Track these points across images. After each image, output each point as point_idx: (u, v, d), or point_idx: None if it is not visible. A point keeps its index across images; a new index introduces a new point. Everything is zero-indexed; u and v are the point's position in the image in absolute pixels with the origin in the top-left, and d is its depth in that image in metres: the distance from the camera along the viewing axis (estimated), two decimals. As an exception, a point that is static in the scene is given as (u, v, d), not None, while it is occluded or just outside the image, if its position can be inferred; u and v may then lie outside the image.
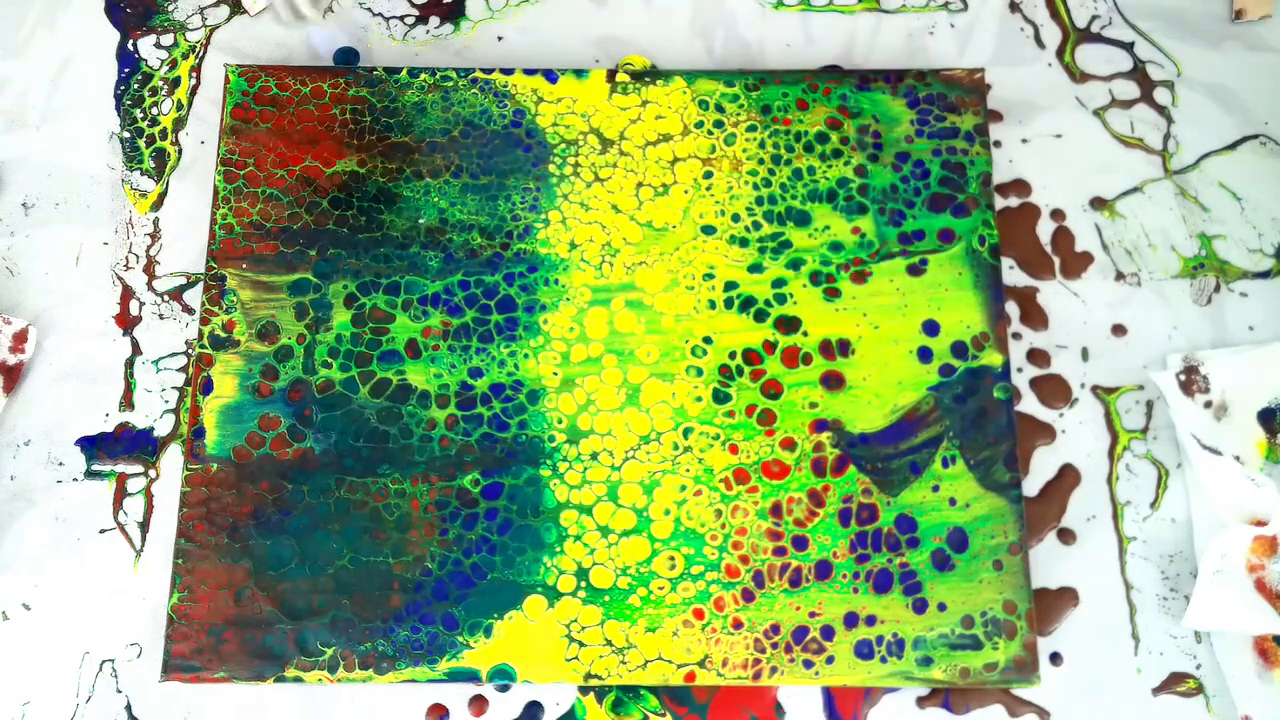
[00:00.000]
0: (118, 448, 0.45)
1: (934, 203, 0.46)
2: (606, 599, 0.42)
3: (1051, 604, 0.43)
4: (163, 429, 0.45)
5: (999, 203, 0.48)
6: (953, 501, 0.43)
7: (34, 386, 0.46)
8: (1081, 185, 0.48)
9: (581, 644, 0.41)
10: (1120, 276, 0.47)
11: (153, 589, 0.43)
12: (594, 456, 0.43)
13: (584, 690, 0.42)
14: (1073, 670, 0.42)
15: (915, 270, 0.45)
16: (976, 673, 0.41)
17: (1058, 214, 0.48)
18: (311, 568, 0.42)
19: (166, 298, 0.47)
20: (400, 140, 0.47)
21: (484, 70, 0.48)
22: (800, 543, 0.42)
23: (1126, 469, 0.45)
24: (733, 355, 0.44)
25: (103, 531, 0.44)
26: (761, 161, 0.47)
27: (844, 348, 0.44)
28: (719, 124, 0.47)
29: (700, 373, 0.44)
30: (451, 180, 0.46)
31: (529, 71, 0.48)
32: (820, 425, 0.44)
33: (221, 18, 0.51)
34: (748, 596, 0.42)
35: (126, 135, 0.49)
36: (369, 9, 0.51)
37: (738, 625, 0.41)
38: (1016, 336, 0.46)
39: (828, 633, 0.41)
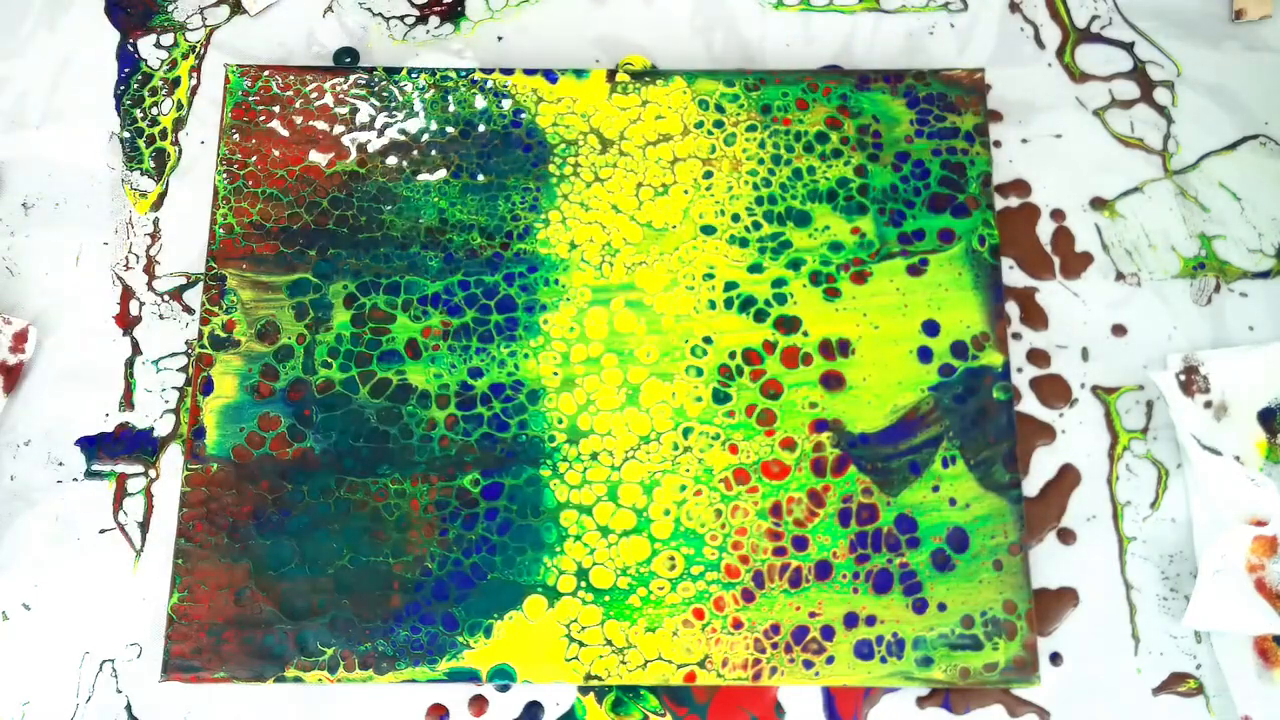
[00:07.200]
0: (118, 448, 0.45)
1: (934, 203, 0.46)
2: (607, 599, 0.42)
3: (1051, 604, 0.43)
4: (163, 429, 0.45)
5: (999, 203, 0.48)
6: (953, 501, 0.43)
7: (34, 386, 0.46)
8: (1081, 185, 0.48)
9: (581, 644, 0.41)
10: (1120, 276, 0.47)
11: (153, 589, 0.43)
12: (594, 456, 0.43)
13: (584, 690, 0.42)
14: (1073, 670, 0.42)
15: (915, 270, 0.45)
16: (976, 673, 0.41)
17: (1058, 214, 0.48)
18: (311, 568, 0.42)
19: (166, 298, 0.47)
20: (400, 140, 0.47)
21: (484, 70, 0.48)
22: (800, 543, 0.42)
23: (1126, 469, 0.45)
24: (733, 355, 0.44)
25: (103, 531, 0.44)
26: (761, 161, 0.47)
27: (844, 348, 0.44)
28: (719, 124, 0.47)
29: (700, 373, 0.44)
30: (451, 180, 0.46)
31: (529, 71, 0.48)
32: (820, 425, 0.44)
33: (221, 18, 0.51)
34: (748, 596, 0.42)
35: (126, 135, 0.49)
36: (369, 9, 0.51)
37: (738, 625, 0.41)
38: (1016, 336, 0.46)
39: (828, 633, 0.41)
